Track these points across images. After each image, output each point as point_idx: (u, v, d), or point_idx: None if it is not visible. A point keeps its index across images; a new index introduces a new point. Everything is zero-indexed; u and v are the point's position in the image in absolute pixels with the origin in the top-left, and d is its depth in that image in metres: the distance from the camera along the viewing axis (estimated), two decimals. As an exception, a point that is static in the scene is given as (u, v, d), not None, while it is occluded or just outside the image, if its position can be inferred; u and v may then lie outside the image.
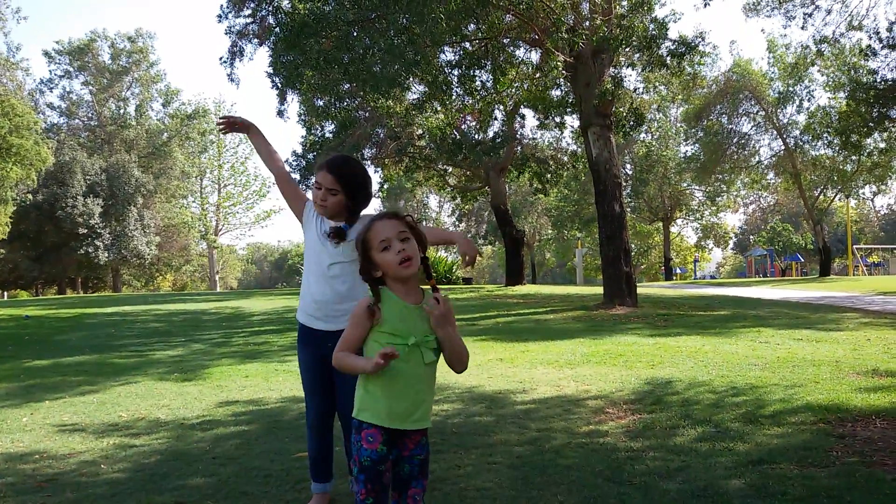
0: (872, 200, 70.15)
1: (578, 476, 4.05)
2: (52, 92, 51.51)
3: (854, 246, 46.59)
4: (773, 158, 38.62)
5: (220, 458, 4.72)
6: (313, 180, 3.64)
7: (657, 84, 24.90)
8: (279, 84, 19.21)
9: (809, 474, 3.87)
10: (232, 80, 21.49)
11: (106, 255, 43.51)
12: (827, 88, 31.36)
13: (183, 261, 55.29)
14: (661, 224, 50.07)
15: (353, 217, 3.65)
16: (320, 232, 3.68)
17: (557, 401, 6.16)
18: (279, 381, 7.66)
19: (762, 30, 66.13)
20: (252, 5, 19.14)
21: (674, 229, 55.57)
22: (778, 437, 4.64)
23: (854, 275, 40.89)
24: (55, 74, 50.69)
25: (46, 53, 49.86)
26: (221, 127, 4.08)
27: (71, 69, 50.65)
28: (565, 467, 4.23)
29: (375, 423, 2.53)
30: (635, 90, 19.95)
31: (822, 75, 30.45)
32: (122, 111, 51.97)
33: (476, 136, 24.46)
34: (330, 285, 3.63)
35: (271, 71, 18.48)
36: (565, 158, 28.46)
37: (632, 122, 17.06)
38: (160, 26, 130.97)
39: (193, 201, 57.96)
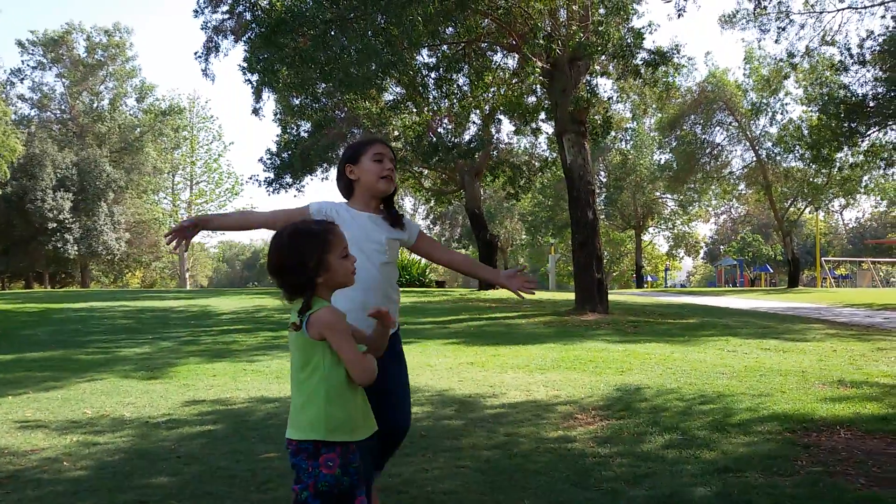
0: (841, 214, 71.13)
1: (545, 481, 4.04)
2: (22, 83, 50.80)
3: (822, 258, 47.18)
4: (745, 169, 39.06)
5: (185, 457, 4.66)
6: (370, 153, 3.30)
7: (632, 93, 25.11)
8: (254, 81, 19.08)
9: (774, 483, 3.90)
10: (207, 76, 21.28)
11: (75, 249, 42.97)
12: (801, 102, 31.78)
13: (153, 257, 54.76)
14: (633, 232, 50.43)
15: (389, 202, 3.39)
16: (366, 230, 3.25)
17: (527, 405, 6.17)
18: (247, 381, 7.59)
19: (742, 39, 66.57)
20: (230, 1, 18.99)
21: (646, 237, 56.01)
22: (744, 446, 4.67)
23: (822, 286, 41.40)
24: (28, 65, 50.00)
25: (20, 43, 49.11)
26: (172, 243, 3.56)
27: (44, 60, 49.94)
28: (533, 472, 4.22)
29: (349, 440, 2.47)
30: (609, 99, 20.07)
31: (798, 87, 30.83)
32: (95, 105, 51.33)
33: (452, 140, 24.49)
34: (365, 292, 3.13)
35: (246, 67, 18.34)
36: (537, 164, 28.59)
37: (602, 128, 17.19)
38: (135, 19, 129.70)
39: (165, 198, 57.48)
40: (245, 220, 3.54)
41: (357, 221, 3.26)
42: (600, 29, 14.95)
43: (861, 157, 27.18)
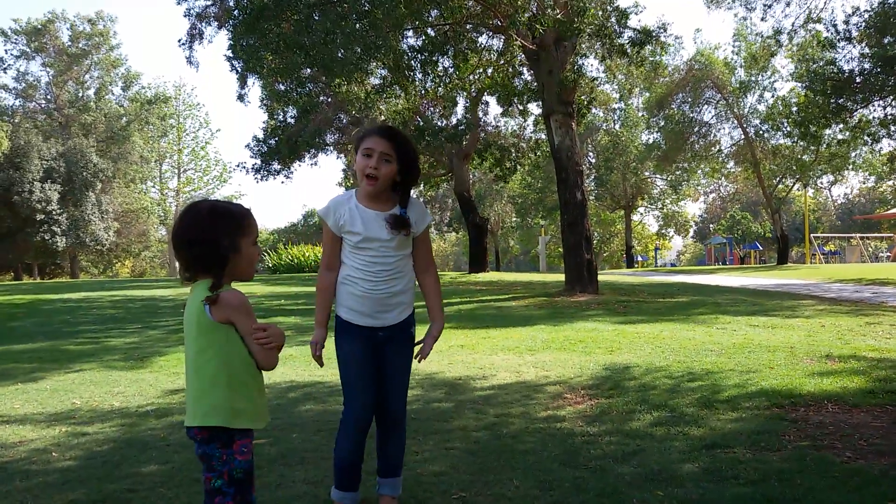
0: (830, 190, 71.26)
1: (535, 461, 4.06)
2: (6, 73, 50.26)
3: (811, 234, 47.34)
4: (734, 147, 39.04)
5: (174, 445, 4.66)
6: (361, 147, 3.17)
7: (619, 73, 25.05)
8: (239, 68, 18.95)
9: (762, 458, 3.92)
10: (191, 64, 21.10)
11: (63, 240, 42.67)
12: (790, 78, 31.76)
13: (142, 247, 54.47)
14: (623, 212, 50.45)
15: (405, 198, 3.26)
16: (369, 226, 3.19)
17: (517, 387, 6.18)
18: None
19: (735, 15, 66.43)
20: (212, -13, 18.82)
21: (636, 217, 56.04)
22: (732, 422, 4.69)
23: (811, 263, 41.56)
24: (11, 55, 49.41)
25: (2, 32, 48.52)
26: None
27: (28, 50, 49.37)
28: (522, 452, 4.23)
29: (252, 426, 2.42)
30: (596, 79, 20.02)
31: (789, 63, 30.80)
32: (80, 95, 50.83)
33: (439, 123, 24.40)
34: (387, 284, 3.23)
35: (231, 54, 18.22)
36: (525, 146, 28.51)
37: (585, 104, 17.26)
38: (117, 7, 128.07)
39: (153, 186, 57.18)
40: (329, 294, 3.32)
41: (364, 217, 3.20)
42: (581, 5, 14.87)
43: (847, 133, 27.19)
